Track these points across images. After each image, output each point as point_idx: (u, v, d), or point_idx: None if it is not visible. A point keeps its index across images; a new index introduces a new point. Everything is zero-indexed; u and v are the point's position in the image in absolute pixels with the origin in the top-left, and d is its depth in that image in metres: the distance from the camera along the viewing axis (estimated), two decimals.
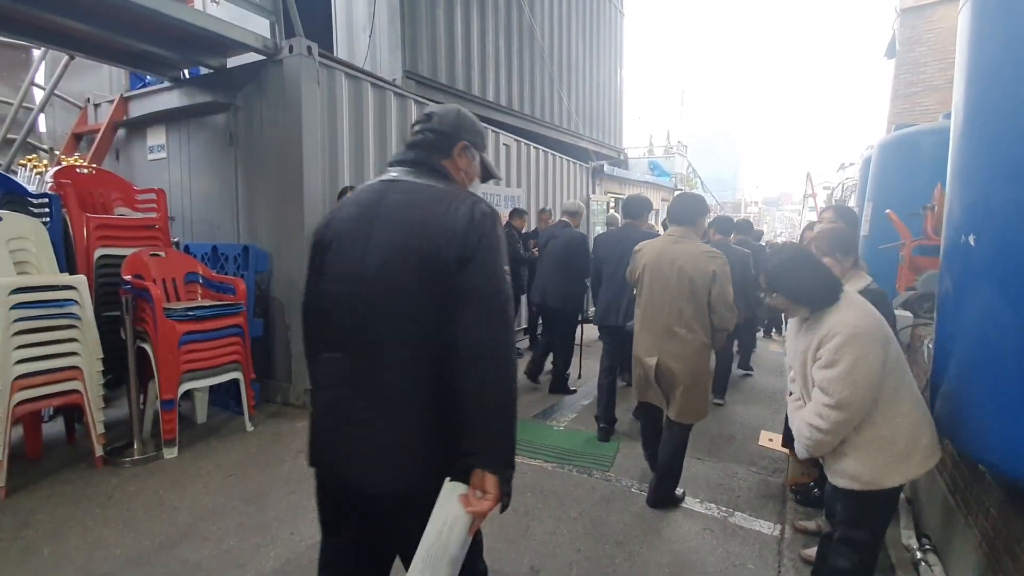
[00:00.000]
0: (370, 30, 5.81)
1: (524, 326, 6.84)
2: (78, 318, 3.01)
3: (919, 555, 2.25)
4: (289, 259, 4.17)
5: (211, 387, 3.68)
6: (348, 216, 1.31)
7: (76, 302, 3.01)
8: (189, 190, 4.67)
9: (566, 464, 3.40)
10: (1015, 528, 1.67)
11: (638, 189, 12.91)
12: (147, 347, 3.30)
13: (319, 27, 5.75)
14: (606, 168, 10.61)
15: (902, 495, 2.74)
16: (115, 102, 4.97)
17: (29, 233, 3.09)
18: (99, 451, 3.12)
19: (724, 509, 2.91)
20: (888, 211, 4.13)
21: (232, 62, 4.42)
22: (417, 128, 1.39)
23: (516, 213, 5.86)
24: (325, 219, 1.37)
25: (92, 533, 2.47)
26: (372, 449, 1.21)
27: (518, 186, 7.13)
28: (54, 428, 3.57)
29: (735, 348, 5.94)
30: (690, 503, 2.96)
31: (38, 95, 5.62)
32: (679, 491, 2.96)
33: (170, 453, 3.27)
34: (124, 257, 3.52)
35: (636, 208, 4.01)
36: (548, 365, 5.15)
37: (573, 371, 5.18)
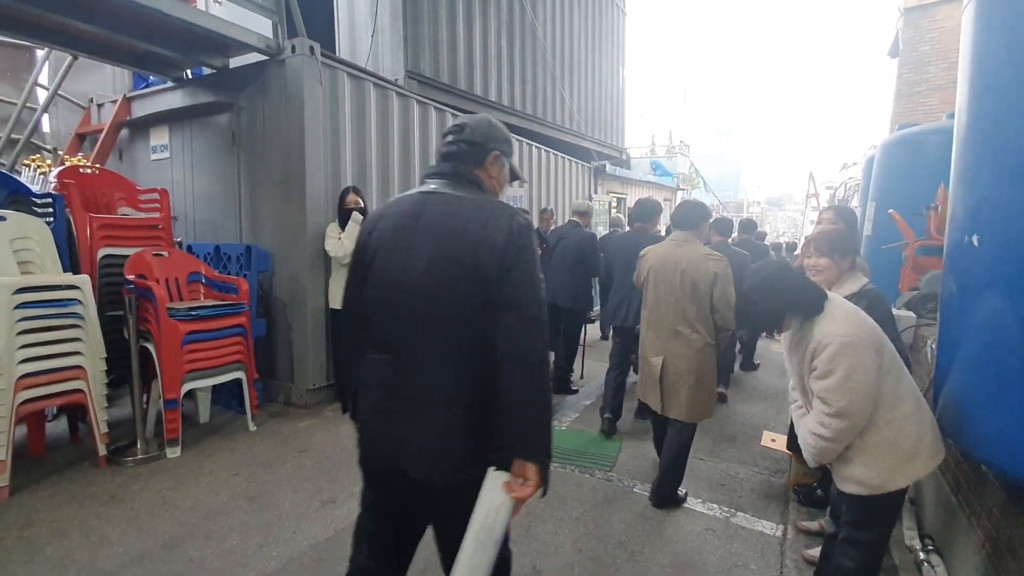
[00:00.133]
0: (372, 30, 5.82)
1: None
2: (81, 318, 3.02)
3: (922, 556, 2.25)
4: (291, 259, 4.18)
5: (214, 387, 3.69)
6: (390, 226, 1.40)
7: (80, 302, 3.02)
8: (192, 190, 4.69)
9: (568, 464, 3.40)
10: (1018, 529, 1.67)
11: (640, 189, 12.90)
12: (150, 347, 3.31)
13: (321, 27, 5.76)
14: (608, 168, 10.60)
15: (906, 496, 2.74)
16: (118, 102, 4.99)
17: (33, 233, 3.11)
18: (102, 450, 3.13)
19: (726, 509, 2.91)
20: (891, 211, 4.12)
21: (235, 62, 4.43)
22: (450, 139, 1.46)
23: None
24: (366, 229, 1.46)
25: (95, 532, 2.48)
26: (420, 443, 1.32)
27: (520, 186, 7.14)
28: (58, 427, 3.58)
29: (737, 348, 5.96)
30: (692, 503, 2.96)
31: (42, 95, 5.64)
32: (682, 491, 2.97)
33: (173, 452, 3.28)
34: (127, 257, 3.54)
35: (647, 212, 4.08)
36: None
37: (575, 371, 5.18)
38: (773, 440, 3.89)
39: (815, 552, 2.35)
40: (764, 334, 8.12)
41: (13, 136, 5.32)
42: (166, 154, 4.82)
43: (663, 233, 4.23)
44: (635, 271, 3.13)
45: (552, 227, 5.67)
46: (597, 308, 6.81)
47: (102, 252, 3.57)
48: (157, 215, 3.98)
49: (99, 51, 4.14)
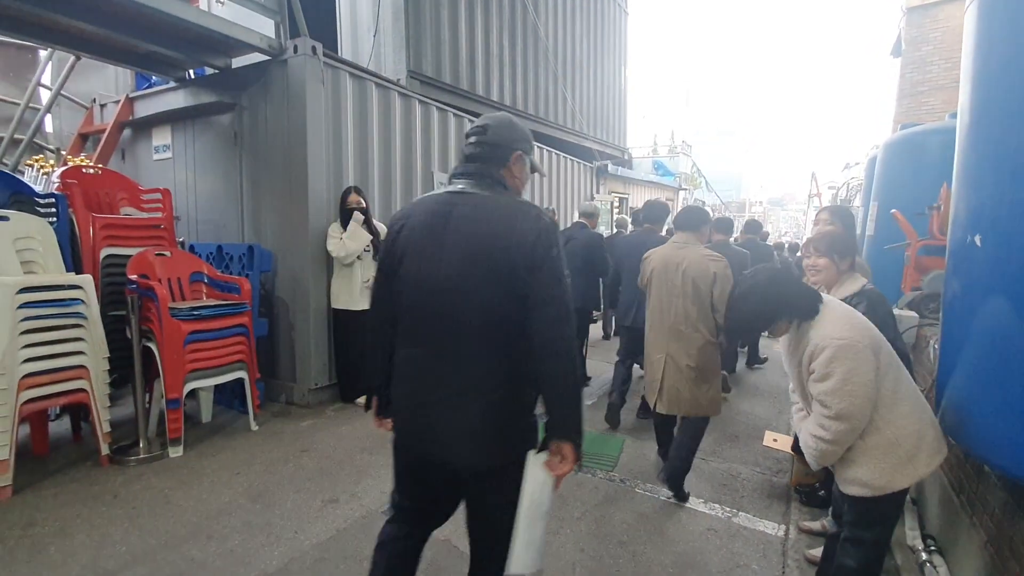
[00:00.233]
0: (374, 30, 5.83)
1: None
2: (84, 317, 3.03)
3: (924, 556, 2.24)
4: (293, 259, 4.18)
5: (216, 386, 3.70)
6: (419, 225, 1.47)
7: (82, 301, 3.03)
8: (194, 190, 4.69)
9: None
10: (1021, 529, 1.66)
11: (642, 189, 12.89)
12: (152, 346, 3.31)
13: (324, 27, 5.77)
14: (610, 168, 10.60)
15: (908, 496, 2.73)
16: (121, 102, 5.00)
17: (36, 233, 3.11)
18: (105, 450, 3.14)
19: (728, 509, 2.91)
20: (894, 211, 4.11)
21: (237, 62, 4.44)
22: (473, 140, 1.52)
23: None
24: (395, 228, 1.52)
25: (98, 531, 2.49)
26: (454, 431, 1.41)
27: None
28: (60, 427, 3.59)
29: (740, 345, 5.98)
30: (694, 503, 2.96)
31: (44, 95, 5.65)
32: (685, 489, 2.98)
33: (175, 452, 3.29)
34: (130, 257, 3.54)
35: (658, 213, 4.24)
36: None
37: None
38: (775, 440, 3.88)
39: (817, 552, 2.34)
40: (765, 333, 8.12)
41: (16, 136, 5.33)
42: (168, 154, 4.83)
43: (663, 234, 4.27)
44: (639, 274, 3.21)
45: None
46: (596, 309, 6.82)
47: (105, 252, 3.58)
48: (159, 215, 3.99)
49: (102, 51, 4.15)
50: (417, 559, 1.64)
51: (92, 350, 3.06)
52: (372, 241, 4.19)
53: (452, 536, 2.28)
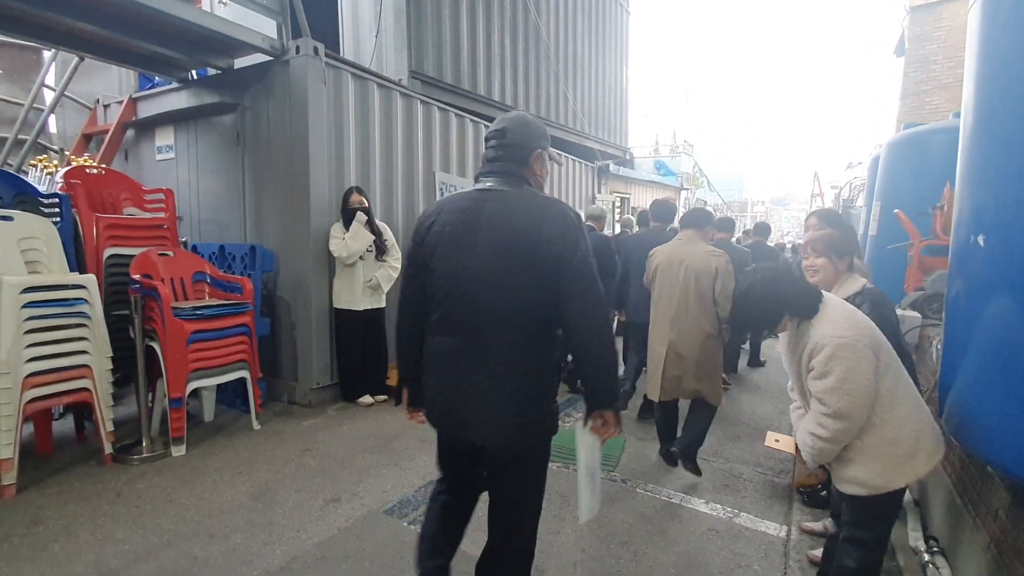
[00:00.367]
0: (376, 30, 5.83)
1: None
2: (88, 317, 3.04)
3: (927, 557, 2.23)
4: (295, 258, 4.19)
5: (218, 386, 3.70)
6: (451, 221, 1.55)
7: (86, 301, 3.04)
8: (197, 190, 4.71)
9: (571, 463, 3.40)
10: None
11: (644, 189, 12.89)
12: (155, 346, 3.32)
13: (325, 28, 5.78)
14: (612, 167, 10.60)
15: (911, 497, 2.73)
16: (124, 103, 5.02)
17: (40, 233, 3.13)
18: (108, 448, 3.15)
19: (730, 510, 2.90)
20: (897, 211, 4.10)
21: (239, 63, 4.45)
22: (494, 143, 1.61)
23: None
24: (425, 224, 1.61)
25: (101, 529, 2.50)
26: (484, 415, 1.52)
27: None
28: (64, 426, 3.60)
29: (744, 344, 5.98)
30: (695, 503, 2.95)
31: (48, 96, 5.68)
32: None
33: (178, 451, 3.30)
34: (133, 256, 3.55)
35: (667, 212, 4.46)
36: None
37: None
38: (777, 440, 3.86)
39: (819, 553, 2.34)
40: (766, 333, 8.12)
41: (20, 137, 5.36)
42: (171, 154, 4.84)
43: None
44: (645, 272, 3.31)
45: None
46: None
47: (108, 252, 3.59)
48: (162, 215, 4.00)
49: (105, 52, 4.17)
50: (467, 517, 1.81)
51: (96, 349, 3.08)
52: (374, 241, 4.20)
53: None
